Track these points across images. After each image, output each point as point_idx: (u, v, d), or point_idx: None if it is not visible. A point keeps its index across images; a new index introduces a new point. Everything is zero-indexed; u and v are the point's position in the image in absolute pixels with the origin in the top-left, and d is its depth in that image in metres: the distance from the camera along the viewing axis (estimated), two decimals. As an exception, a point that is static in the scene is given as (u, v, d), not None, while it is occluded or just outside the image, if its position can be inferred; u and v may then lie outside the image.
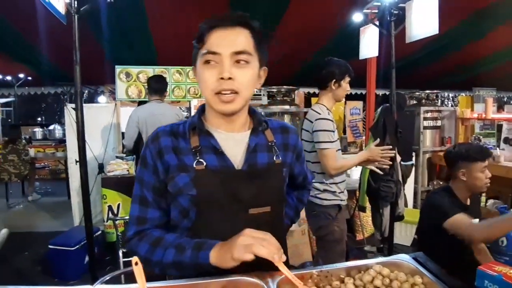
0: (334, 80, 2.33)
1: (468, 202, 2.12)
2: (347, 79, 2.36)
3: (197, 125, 1.03)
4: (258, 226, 0.91)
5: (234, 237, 0.88)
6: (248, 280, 0.91)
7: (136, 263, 0.82)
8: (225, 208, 0.98)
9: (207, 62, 0.96)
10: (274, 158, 1.07)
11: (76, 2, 2.42)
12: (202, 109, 1.09)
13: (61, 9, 2.36)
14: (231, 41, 0.95)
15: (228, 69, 0.93)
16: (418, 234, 2.38)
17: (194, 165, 0.98)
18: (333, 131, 2.29)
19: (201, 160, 0.99)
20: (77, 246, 3.30)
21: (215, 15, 0.97)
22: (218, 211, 0.98)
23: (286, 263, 0.87)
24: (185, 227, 1.03)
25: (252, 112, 1.11)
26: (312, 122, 2.32)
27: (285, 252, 1.03)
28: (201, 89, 1.00)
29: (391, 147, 2.44)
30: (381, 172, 2.63)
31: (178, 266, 0.95)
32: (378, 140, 2.53)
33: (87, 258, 3.35)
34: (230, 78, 0.93)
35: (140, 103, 4.57)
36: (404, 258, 1.05)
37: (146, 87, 3.62)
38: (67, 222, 4.78)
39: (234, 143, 1.04)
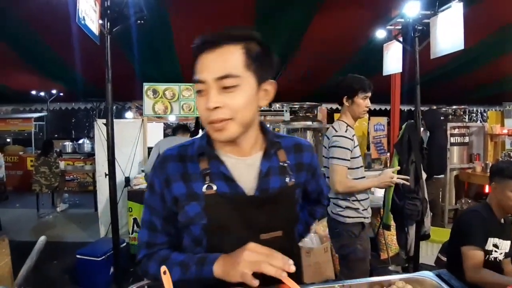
0: (346, 97, 2.33)
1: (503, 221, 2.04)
2: (361, 95, 2.30)
3: (205, 150, 0.97)
4: None
5: (238, 251, 0.85)
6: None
7: (165, 272, 0.85)
8: (236, 235, 0.94)
9: (199, 91, 0.90)
10: (287, 180, 1.01)
11: (109, 24, 2.55)
12: None
13: (95, 30, 2.49)
14: (214, 65, 0.87)
15: (214, 98, 0.86)
16: (447, 252, 2.31)
17: (204, 189, 0.94)
18: (350, 150, 2.25)
19: (211, 184, 0.94)
20: (103, 257, 3.39)
21: (205, 34, 0.90)
22: (229, 237, 0.94)
23: (297, 277, 0.84)
24: (198, 253, 0.99)
25: (264, 132, 1.03)
26: (329, 138, 2.34)
27: (299, 269, 1.00)
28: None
29: (407, 177, 2.42)
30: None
31: (185, 283, 0.93)
32: (398, 167, 2.52)
33: (112, 269, 3.43)
34: (216, 108, 0.86)
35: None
36: (427, 275, 1.04)
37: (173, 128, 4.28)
38: (93, 233, 4.95)
39: (245, 167, 0.98)
